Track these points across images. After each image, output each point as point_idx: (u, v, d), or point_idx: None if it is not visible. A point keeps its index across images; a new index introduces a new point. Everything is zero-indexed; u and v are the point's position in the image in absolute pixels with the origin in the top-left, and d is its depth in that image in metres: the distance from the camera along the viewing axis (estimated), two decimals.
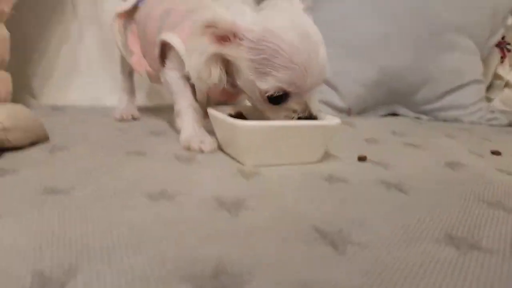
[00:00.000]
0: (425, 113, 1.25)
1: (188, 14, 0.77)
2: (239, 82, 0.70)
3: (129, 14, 0.97)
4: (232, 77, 0.71)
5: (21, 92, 1.15)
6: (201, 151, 0.72)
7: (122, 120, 1.00)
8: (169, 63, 0.81)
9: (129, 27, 0.97)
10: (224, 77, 0.69)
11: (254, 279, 0.34)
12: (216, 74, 0.68)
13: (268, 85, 0.64)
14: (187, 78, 0.76)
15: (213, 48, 0.65)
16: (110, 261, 0.36)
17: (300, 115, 0.67)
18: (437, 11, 1.18)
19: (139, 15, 0.93)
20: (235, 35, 0.65)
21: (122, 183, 0.56)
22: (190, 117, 0.78)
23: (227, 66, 0.69)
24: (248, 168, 0.64)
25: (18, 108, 0.71)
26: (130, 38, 0.96)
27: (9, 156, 0.67)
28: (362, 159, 0.73)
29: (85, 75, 1.22)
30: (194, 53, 0.67)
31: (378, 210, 0.51)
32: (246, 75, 0.66)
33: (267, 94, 0.65)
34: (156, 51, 0.82)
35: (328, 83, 1.17)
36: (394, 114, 1.27)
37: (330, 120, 0.71)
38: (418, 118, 1.25)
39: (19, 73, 1.14)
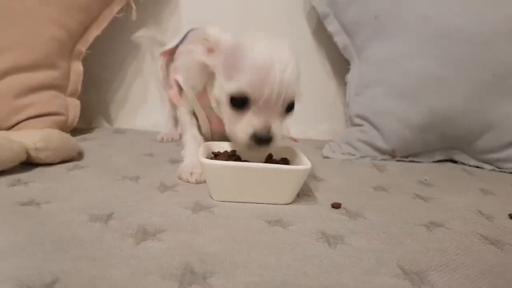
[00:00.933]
0: (488, 162, 1.13)
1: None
2: (215, 92, 0.77)
3: (172, 53, 1.09)
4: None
5: (99, 117, 1.36)
6: (188, 182, 0.79)
7: (162, 141, 1.14)
8: (180, 100, 0.92)
9: (171, 64, 1.10)
10: (208, 87, 0.80)
11: None
12: (202, 81, 0.80)
13: (231, 86, 0.70)
14: (193, 114, 0.87)
15: (203, 56, 0.76)
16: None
17: (258, 131, 0.70)
18: (502, 53, 1.07)
19: (177, 53, 1.05)
20: (218, 47, 0.74)
21: (86, 203, 0.65)
22: (191, 148, 0.87)
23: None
24: (207, 203, 0.69)
25: (52, 132, 0.86)
26: (172, 74, 1.08)
27: (36, 171, 0.81)
28: (335, 206, 0.71)
29: (151, 104, 1.39)
30: (189, 56, 0.79)
31: (266, 260, 0.51)
32: (217, 81, 0.75)
33: (230, 96, 0.71)
34: (174, 87, 0.93)
35: (370, 122, 1.14)
36: (454, 161, 1.17)
37: (301, 164, 0.72)
38: (479, 167, 1.13)
39: (99, 101, 1.35)
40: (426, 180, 0.94)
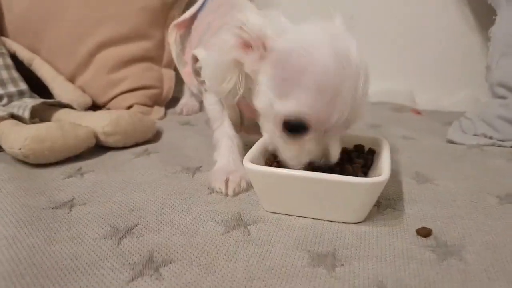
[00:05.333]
0: None
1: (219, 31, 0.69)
2: (256, 102, 0.58)
3: (189, 24, 0.93)
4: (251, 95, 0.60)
5: None
6: (223, 194, 0.62)
7: (181, 114, 1.07)
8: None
9: (188, 38, 0.95)
10: (241, 89, 0.59)
11: None
12: (232, 81, 0.59)
13: (286, 107, 0.53)
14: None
15: (235, 52, 0.56)
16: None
17: (317, 161, 0.54)
18: None
19: (194, 25, 0.90)
20: (261, 44, 0.55)
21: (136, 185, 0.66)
22: (226, 147, 0.70)
23: (248, 81, 0.59)
24: (259, 214, 0.57)
25: (122, 116, 0.81)
26: (188, 49, 0.93)
27: (108, 155, 0.80)
28: (422, 234, 0.52)
29: None
30: (214, 51, 0.59)
31: None
32: (264, 93, 0.56)
33: (283, 119, 0.54)
34: (190, 65, 0.76)
35: None
36: None
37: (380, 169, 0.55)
38: None
39: None
40: None
